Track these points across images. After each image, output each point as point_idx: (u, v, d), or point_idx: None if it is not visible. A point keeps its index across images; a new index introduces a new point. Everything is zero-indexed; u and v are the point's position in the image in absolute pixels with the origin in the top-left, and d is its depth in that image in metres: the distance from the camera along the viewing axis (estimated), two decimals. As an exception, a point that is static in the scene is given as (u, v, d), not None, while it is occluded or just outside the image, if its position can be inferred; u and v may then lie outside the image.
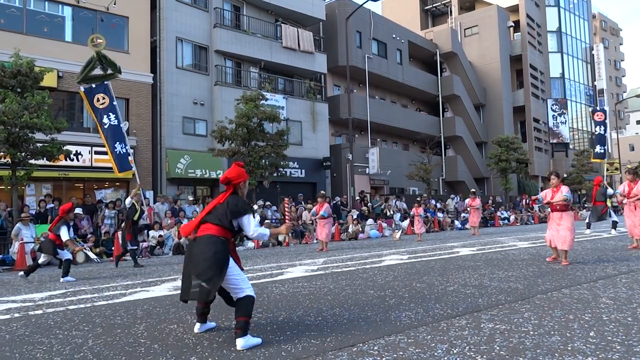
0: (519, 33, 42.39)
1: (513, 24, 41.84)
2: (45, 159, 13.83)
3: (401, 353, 3.27)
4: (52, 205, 14.45)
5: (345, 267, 8.63)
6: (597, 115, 19.55)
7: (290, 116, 23.69)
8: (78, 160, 17.22)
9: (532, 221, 27.98)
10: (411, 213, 16.56)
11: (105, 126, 11.15)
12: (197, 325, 4.10)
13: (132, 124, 18.87)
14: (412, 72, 33.77)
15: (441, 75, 36.63)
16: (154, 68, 19.88)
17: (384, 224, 20.68)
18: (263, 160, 18.26)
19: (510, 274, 6.77)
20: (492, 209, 27.54)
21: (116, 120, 11.38)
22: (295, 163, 23.21)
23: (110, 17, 18.84)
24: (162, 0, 20.20)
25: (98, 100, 11.14)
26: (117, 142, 11.36)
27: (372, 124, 29.55)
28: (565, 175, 36.11)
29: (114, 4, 18.50)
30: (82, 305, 5.71)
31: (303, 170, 24.12)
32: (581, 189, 36.45)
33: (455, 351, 3.26)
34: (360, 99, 29.12)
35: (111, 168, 17.89)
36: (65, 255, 8.82)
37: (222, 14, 22.47)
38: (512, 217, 27.11)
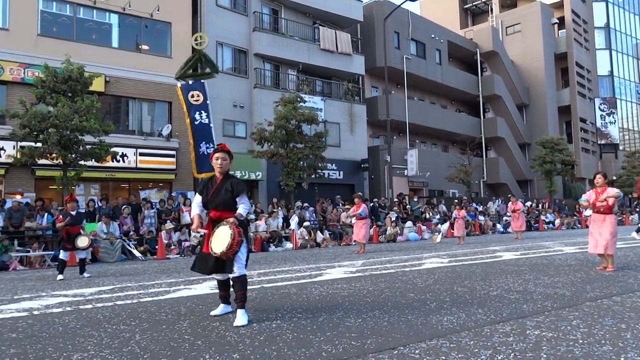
0: (564, 30, 40.99)
1: (557, 21, 40.51)
2: (93, 160, 14.41)
3: (443, 358, 3.22)
4: (100, 204, 15.01)
5: (384, 269, 8.57)
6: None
7: (328, 118, 23.74)
8: (124, 161, 17.84)
9: (579, 225, 26.97)
10: (453, 215, 16.26)
11: (196, 122, 10.95)
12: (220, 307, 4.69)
13: (174, 126, 19.39)
14: (451, 72, 33.23)
15: (482, 75, 35.88)
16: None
17: (423, 227, 20.42)
18: (301, 162, 18.40)
19: (557, 279, 6.56)
20: (536, 212, 26.73)
21: (207, 119, 11.13)
22: (333, 165, 23.24)
23: (154, 23, 19.44)
24: (203, 6, 20.67)
25: (192, 96, 11.08)
26: (203, 142, 11.05)
27: (411, 125, 29.25)
28: (614, 178, 34.68)
29: (158, 10, 19.06)
30: (128, 301, 5.90)
31: (341, 172, 24.13)
32: (632, 192, 34.87)
33: (499, 358, 3.19)
34: (399, 100, 28.88)
35: (154, 169, 18.73)
36: (81, 254, 9.27)
37: (261, 18, 22.78)
38: (557, 221, 26.23)
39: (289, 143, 18.29)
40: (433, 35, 31.66)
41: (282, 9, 23.79)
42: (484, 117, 35.55)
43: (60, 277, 8.91)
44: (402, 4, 23.83)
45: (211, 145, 11.12)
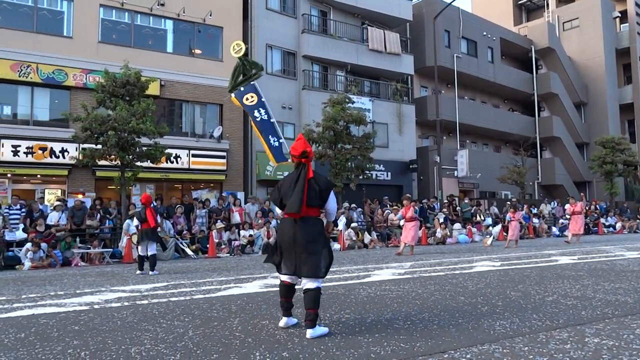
0: (627, 24, 38.85)
1: (619, 15, 38.44)
2: (149, 161, 14.99)
3: (496, 363, 3.14)
4: (155, 203, 15.56)
5: (433, 271, 8.43)
6: None
7: (377, 118, 23.61)
8: (177, 162, 18.46)
9: (642, 229, 25.45)
10: (507, 217, 15.75)
11: (257, 119, 10.96)
12: (283, 320, 4.27)
13: (225, 128, 19.86)
14: (504, 70, 32.24)
15: (537, 72, 34.59)
16: (245, 74, 20.74)
17: (474, 229, 19.92)
18: (349, 163, 18.39)
19: (618, 285, 6.23)
20: (595, 215, 25.46)
21: (266, 115, 11.13)
22: (381, 166, 23.08)
23: (207, 28, 20.00)
24: (253, 10, 21.07)
25: (247, 99, 11.17)
26: (270, 135, 11.09)
27: (461, 125, 28.62)
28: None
29: (210, 15, 19.60)
30: (182, 298, 6.11)
31: (389, 173, 23.93)
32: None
33: (556, 365, 3.07)
34: (449, 99, 28.32)
35: (206, 170, 19.25)
36: (151, 250, 9.62)
37: (309, 20, 22.96)
38: (618, 225, 24.87)
39: (337, 144, 18.31)
40: (485, 33, 30.83)
41: (331, 10, 23.87)
42: (538, 116, 34.26)
43: (138, 272, 9.39)
44: (452, 1, 23.35)
45: (277, 139, 11.20)
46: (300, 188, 4.11)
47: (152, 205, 10.01)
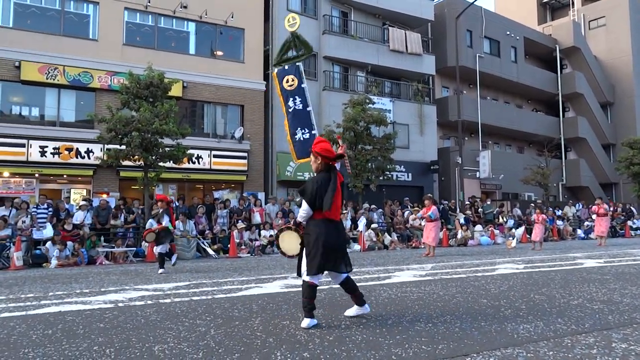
0: (656, 22, 37.85)
1: (648, 12, 37.48)
2: (171, 161, 15.19)
3: (520, 367, 3.09)
4: (177, 203, 15.78)
5: (455, 273, 8.34)
6: None
7: (397, 119, 23.48)
8: (199, 163, 18.67)
9: (672, 233, 24.74)
10: (532, 218, 15.49)
11: (290, 110, 10.47)
12: (306, 320, 4.27)
13: (247, 129, 20.01)
14: (528, 70, 31.73)
15: (561, 72, 33.96)
16: (266, 76, 20.89)
17: (496, 231, 19.65)
18: (370, 164, 18.33)
19: (646, 290, 6.08)
20: (622, 217, 24.86)
21: (301, 105, 10.56)
22: (402, 166, 22.95)
23: (228, 30, 20.17)
24: (274, 11, 21.17)
25: (287, 81, 10.62)
26: (299, 128, 10.51)
27: (484, 126, 28.27)
28: None
29: (232, 17, 19.77)
30: (203, 297, 6.17)
31: (410, 174, 23.77)
32: None
33: (582, 370, 3.01)
34: (471, 100, 28.00)
35: (227, 170, 19.41)
36: (160, 248, 9.75)
37: (330, 21, 22.96)
38: (646, 227, 24.24)
39: (358, 145, 18.28)
40: (508, 32, 30.40)
41: (351, 11, 23.84)
42: (563, 116, 33.61)
43: (160, 270, 9.50)
44: (475, 1, 23.09)
45: (307, 131, 10.60)
46: (338, 191, 4.36)
47: (163, 208, 10.11)
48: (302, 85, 10.64)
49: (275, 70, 10.78)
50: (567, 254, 12.36)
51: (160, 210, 10.01)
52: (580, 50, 34.33)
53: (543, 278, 7.47)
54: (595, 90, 34.84)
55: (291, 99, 10.66)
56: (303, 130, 10.68)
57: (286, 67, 10.91)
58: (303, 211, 4.41)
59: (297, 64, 10.81)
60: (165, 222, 9.87)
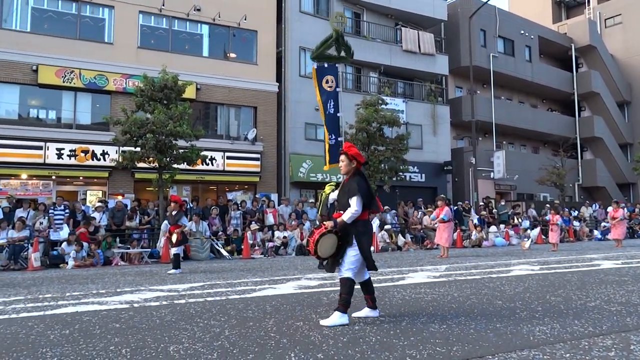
0: (674, 19, 37.19)
1: (666, 10, 36.84)
2: (185, 163, 15.30)
3: (536, 369, 3.06)
4: (191, 205, 15.90)
5: (469, 275, 8.28)
6: None
7: (410, 120, 23.39)
8: (212, 164, 18.78)
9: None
10: (547, 219, 15.31)
11: (326, 113, 10.29)
12: (337, 315, 4.41)
13: (259, 130, 20.08)
14: (542, 69, 31.40)
15: (577, 71, 33.54)
16: (279, 77, 20.96)
17: (511, 232, 19.45)
18: (383, 165, 18.27)
19: (666, 292, 5.97)
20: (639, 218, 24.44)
21: (333, 109, 10.38)
22: (415, 167, 22.85)
23: (241, 32, 20.28)
24: (287, 13, 21.22)
25: (327, 81, 10.37)
26: (332, 133, 10.34)
27: (498, 126, 28.03)
28: None
29: (245, 19, 19.87)
30: (218, 298, 6.21)
31: (423, 175, 23.66)
32: None
33: (599, 373, 2.97)
34: (484, 100, 27.78)
35: (240, 172, 19.49)
36: (177, 249, 9.87)
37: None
38: (665, 229, 23.79)
39: (370, 146, 18.24)
40: (522, 31, 30.12)
41: (364, 12, 23.81)
42: (579, 116, 33.20)
43: (172, 271, 9.63)
44: (488, 0, 22.91)
45: (334, 137, 10.40)
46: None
47: (176, 210, 10.22)
48: (337, 90, 10.46)
49: (315, 65, 10.48)
50: (583, 255, 12.19)
51: (174, 212, 10.09)
52: (596, 48, 33.89)
53: (559, 279, 7.38)
54: (612, 89, 34.35)
55: (329, 101, 10.39)
56: (330, 136, 10.44)
57: (326, 65, 10.54)
58: (355, 211, 4.49)
59: (336, 65, 10.54)
60: (185, 223, 10.01)
